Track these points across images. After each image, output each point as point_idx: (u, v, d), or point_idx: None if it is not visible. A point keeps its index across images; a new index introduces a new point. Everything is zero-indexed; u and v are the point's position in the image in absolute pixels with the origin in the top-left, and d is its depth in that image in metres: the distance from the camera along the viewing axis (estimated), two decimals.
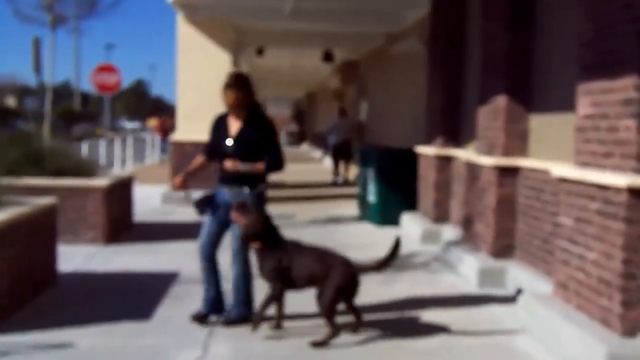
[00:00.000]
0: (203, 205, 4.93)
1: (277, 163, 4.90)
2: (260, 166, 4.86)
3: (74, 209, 7.76)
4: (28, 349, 4.42)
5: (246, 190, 4.85)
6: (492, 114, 6.69)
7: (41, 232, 5.79)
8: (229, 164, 4.79)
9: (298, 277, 4.60)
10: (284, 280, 4.62)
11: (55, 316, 5.13)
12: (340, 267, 4.59)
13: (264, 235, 4.63)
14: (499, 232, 6.46)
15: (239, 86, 4.82)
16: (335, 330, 4.52)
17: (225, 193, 4.90)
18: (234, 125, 4.92)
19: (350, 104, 20.03)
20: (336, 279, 4.53)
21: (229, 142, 4.87)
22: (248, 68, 19.83)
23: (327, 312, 4.52)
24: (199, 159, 5.12)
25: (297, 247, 4.69)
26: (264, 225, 4.63)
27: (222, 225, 4.94)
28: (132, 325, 4.92)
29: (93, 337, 4.67)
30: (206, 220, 4.96)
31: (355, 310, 4.80)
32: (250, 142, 4.85)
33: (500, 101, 6.47)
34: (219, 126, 4.98)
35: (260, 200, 4.93)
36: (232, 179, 4.85)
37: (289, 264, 4.59)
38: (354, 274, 4.65)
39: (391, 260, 4.74)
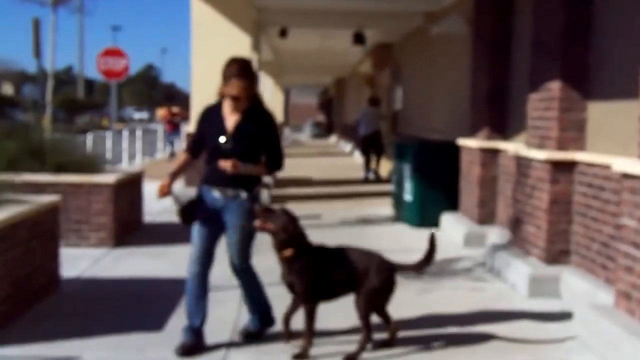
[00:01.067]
0: (190, 213, 4.70)
1: (277, 163, 4.78)
2: (261, 168, 4.74)
3: (77, 208, 7.85)
4: None
5: (243, 193, 4.66)
6: (544, 101, 6.63)
7: (42, 233, 5.86)
8: (226, 165, 4.52)
9: (337, 284, 4.61)
10: (321, 292, 4.60)
11: (58, 326, 5.18)
12: (379, 266, 4.65)
13: (297, 241, 4.56)
14: (552, 235, 6.41)
15: (247, 75, 4.59)
16: (369, 335, 4.58)
17: (217, 196, 4.68)
18: (230, 119, 4.68)
19: (383, 92, 19.98)
20: (376, 279, 4.59)
21: (224, 138, 4.64)
22: (270, 51, 19.88)
23: (367, 315, 4.58)
24: (182, 158, 4.87)
25: (328, 251, 4.70)
26: (296, 229, 4.57)
27: (216, 234, 4.74)
28: (142, 337, 4.95)
29: (99, 350, 4.71)
30: (196, 231, 4.73)
31: (388, 318, 4.80)
32: (250, 139, 4.65)
33: (554, 87, 6.41)
34: (211, 119, 4.73)
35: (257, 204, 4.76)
36: (226, 181, 4.63)
37: (327, 271, 4.58)
38: (393, 273, 4.71)
39: (431, 257, 4.81)
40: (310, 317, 4.56)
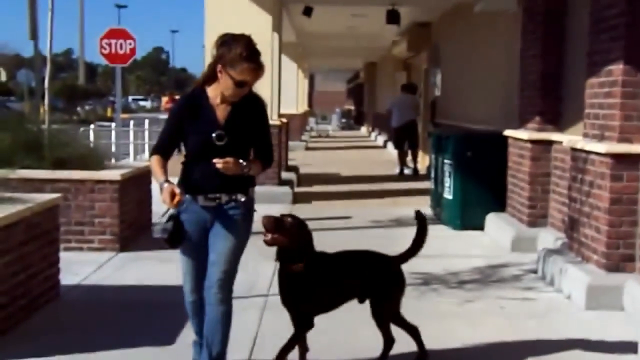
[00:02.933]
0: (176, 236, 4.24)
1: (270, 158, 4.46)
2: (258, 165, 4.39)
3: (79, 208, 7.90)
4: None
5: (242, 198, 4.30)
6: (605, 86, 6.57)
7: (40, 235, 5.90)
8: (227, 165, 4.12)
9: (344, 295, 4.65)
10: (326, 306, 4.63)
11: (57, 339, 5.22)
12: (388, 265, 4.72)
13: (308, 253, 4.46)
14: (614, 239, 6.35)
15: (258, 57, 4.25)
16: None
17: (204, 207, 4.28)
18: (221, 110, 4.30)
19: (420, 77, 19.91)
20: (391, 281, 4.67)
21: (218, 133, 4.22)
22: (292, 32, 19.89)
23: (389, 320, 4.66)
24: (155, 161, 4.30)
25: (332, 259, 4.67)
26: (309, 240, 4.48)
27: (204, 253, 4.34)
28: (151, 351, 4.98)
29: None
30: (184, 258, 4.39)
31: (410, 326, 4.79)
32: (244, 132, 4.32)
33: (616, 70, 6.35)
34: (195, 111, 4.28)
35: (252, 211, 4.44)
36: (219, 185, 4.23)
37: (336, 283, 4.59)
38: (401, 269, 4.78)
39: (423, 238, 4.86)
40: (297, 340, 4.53)
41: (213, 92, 4.30)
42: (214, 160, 4.12)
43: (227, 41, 4.21)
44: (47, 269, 6.03)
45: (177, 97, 24.66)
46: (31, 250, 5.70)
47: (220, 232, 4.29)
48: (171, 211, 4.22)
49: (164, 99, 24.58)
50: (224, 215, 4.29)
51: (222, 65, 4.18)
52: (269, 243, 4.35)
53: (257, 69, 4.21)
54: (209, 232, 4.32)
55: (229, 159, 4.12)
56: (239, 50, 4.16)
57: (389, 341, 4.73)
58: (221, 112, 4.29)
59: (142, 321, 5.66)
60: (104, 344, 5.11)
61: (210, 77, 4.29)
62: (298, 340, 4.53)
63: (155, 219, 9.59)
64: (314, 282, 4.45)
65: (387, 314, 4.66)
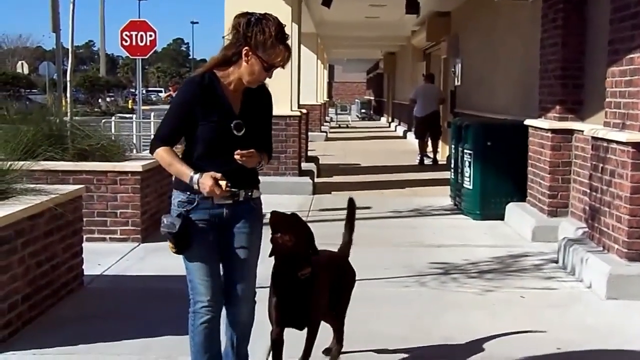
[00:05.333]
0: (184, 239, 3.81)
1: (271, 149, 4.07)
2: (266, 159, 3.97)
3: (102, 199, 7.95)
4: None
5: (256, 194, 3.95)
6: (625, 75, 6.52)
7: (64, 226, 5.95)
8: (249, 157, 3.70)
9: (330, 295, 4.46)
10: (325, 307, 4.48)
11: (80, 328, 5.27)
12: (345, 260, 4.64)
13: (312, 256, 4.11)
14: (635, 228, 6.31)
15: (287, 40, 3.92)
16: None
17: (219, 204, 3.81)
18: (234, 98, 3.87)
19: (439, 67, 19.84)
20: (351, 276, 4.61)
21: (237, 124, 3.82)
22: (311, 23, 19.86)
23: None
24: (172, 154, 3.80)
25: (323, 261, 4.41)
26: (314, 240, 4.11)
27: (218, 263, 3.93)
28: (172, 341, 4.99)
29: (125, 355, 4.79)
30: (194, 265, 3.88)
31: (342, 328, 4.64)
32: (257, 122, 3.93)
33: (637, 58, 6.30)
34: (208, 99, 3.79)
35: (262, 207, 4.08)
36: (236, 180, 3.75)
37: (328, 283, 4.39)
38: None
39: (353, 221, 4.70)
40: (311, 349, 4.25)
41: (227, 78, 3.84)
42: (238, 152, 3.66)
43: (254, 22, 3.77)
44: (70, 259, 6.08)
45: (174, 85, 24.60)
46: (55, 240, 5.75)
47: (242, 235, 3.88)
48: (178, 210, 3.79)
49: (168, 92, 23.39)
50: (241, 214, 3.86)
51: (249, 48, 3.74)
52: (279, 246, 3.96)
53: (290, 51, 3.87)
54: (223, 234, 3.86)
55: (252, 150, 3.71)
56: (273, 32, 3.77)
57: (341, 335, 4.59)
58: (234, 100, 3.87)
59: (164, 310, 5.69)
60: (127, 332, 5.15)
61: (227, 60, 3.84)
62: (312, 348, 4.22)
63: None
64: (318, 285, 4.18)
65: (345, 308, 4.55)
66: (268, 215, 3.97)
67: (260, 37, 3.72)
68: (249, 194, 3.87)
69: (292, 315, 4.12)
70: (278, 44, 3.76)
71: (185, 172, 3.72)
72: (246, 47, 3.74)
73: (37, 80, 48.29)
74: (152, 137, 3.93)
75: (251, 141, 3.79)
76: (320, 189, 12.24)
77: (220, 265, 3.91)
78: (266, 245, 3.94)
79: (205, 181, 3.63)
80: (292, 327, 4.17)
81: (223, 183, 3.62)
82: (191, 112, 3.76)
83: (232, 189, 3.69)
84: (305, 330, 4.19)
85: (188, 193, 3.77)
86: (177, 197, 3.84)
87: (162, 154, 3.78)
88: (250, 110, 3.88)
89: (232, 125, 3.79)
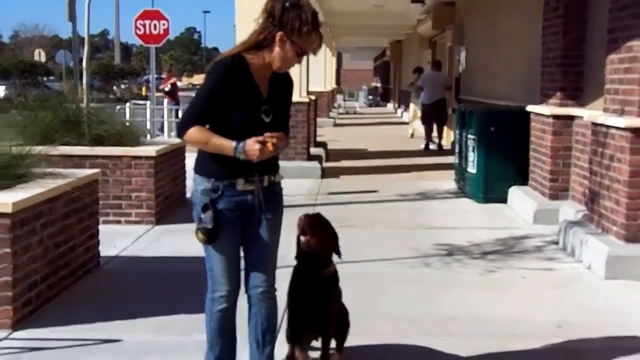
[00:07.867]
0: (216, 231, 3.67)
1: (288, 134, 3.85)
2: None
3: (117, 183, 7.99)
4: (66, 346, 4.60)
5: (279, 177, 3.85)
6: (624, 62, 6.51)
7: (81, 209, 5.98)
8: (279, 141, 3.57)
9: None
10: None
11: (97, 308, 5.31)
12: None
13: (339, 255, 4.12)
14: (633, 210, 6.31)
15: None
16: None
17: (244, 191, 3.68)
18: (262, 83, 3.71)
19: (444, 55, 19.78)
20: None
21: (265, 108, 3.70)
22: (319, 11, 19.81)
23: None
24: (205, 131, 3.62)
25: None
26: (337, 238, 4.11)
27: (239, 250, 3.84)
28: (186, 319, 5.03)
29: (141, 333, 4.83)
30: (216, 251, 3.77)
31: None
32: (282, 107, 3.84)
33: (636, 46, 6.29)
34: (238, 83, 3.63)
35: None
36: (265, 165, 3.65)
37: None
38: None
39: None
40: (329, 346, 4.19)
41: (255, 62, 3.67)
42: (268, 134, 3.52)
43: (290, 7, 3.61)
44: (87, 241, 6.13)
45: (170, 74, 23.99)
46: (72, 222, 5.79)
47: (266, 222, 3.76)
48: (204, 200, 3.66)
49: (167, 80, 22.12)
50: (265, 199, 3.72)
51: (284, 32, 3.60)
52: (308, 247, 3.92)
53: (322, 38, 3.75)
54: (248, 220, 3.74)
55: (282, 133, 3.59)
56: (310, 18, 3.63)
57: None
58: (262, 85, 3.71)
59: (178, 290, 5.73)
60: (142, 311, 5.19)
61: (258, 44, 3.66)
62: (329, 345, 4.20)
63: (188, 194, 9.68)
64: (337, 283, 4.17)
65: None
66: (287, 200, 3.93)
67: (296, 23, 3.59)
68: (272, 178, 3.76)
69: (313, 312, 4.05)
70: (315, 30, 3.64)
71: (226, 144, 3.55)
72: (280, 32, 3.60)
73: (54, 68, 48.26)
74: (179, 122, 3.78)
75: (276, 127, 3.64)
76: (329, 173, 12.25)
77: (241, 250, 3.83)
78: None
79: (251, 147, 3.49)
80: (310, 327, 4.12)
81: (269, 144, 3.49)
82: (222, 96, 3.60)
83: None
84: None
85: (213, 180, 3.65)
86: (200, 184, 3.71)
87: (196, 134, 3.60)
88: (276, 96, 3.75)
89: (261, 110, 3.67)
